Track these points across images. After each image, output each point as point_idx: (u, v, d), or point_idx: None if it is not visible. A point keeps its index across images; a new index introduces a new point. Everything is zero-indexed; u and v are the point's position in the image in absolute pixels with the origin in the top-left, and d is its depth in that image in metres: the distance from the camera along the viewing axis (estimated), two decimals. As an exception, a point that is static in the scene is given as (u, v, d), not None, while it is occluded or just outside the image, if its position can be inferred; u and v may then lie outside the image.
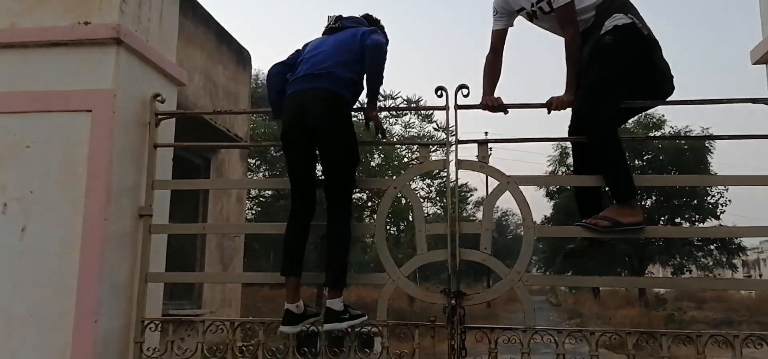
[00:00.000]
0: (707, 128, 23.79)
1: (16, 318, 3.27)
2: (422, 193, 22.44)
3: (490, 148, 3.84)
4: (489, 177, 3.57)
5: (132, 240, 3.54)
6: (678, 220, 25.71)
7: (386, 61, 3.46)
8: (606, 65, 3.31)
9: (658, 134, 24.69)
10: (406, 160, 21.76)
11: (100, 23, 3.41)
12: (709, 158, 25.35)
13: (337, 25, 3.65)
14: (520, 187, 3.41)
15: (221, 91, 8.76)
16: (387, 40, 3.59)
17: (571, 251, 3.44)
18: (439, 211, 23.23)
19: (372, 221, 19.92)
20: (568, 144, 3.80)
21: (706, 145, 24.93)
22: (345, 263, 3.43)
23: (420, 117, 23.66)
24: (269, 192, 22.33)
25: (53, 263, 3.29)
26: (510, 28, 3.71)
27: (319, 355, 3.42)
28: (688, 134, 22.49)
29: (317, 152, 3.44)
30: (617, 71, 3.31)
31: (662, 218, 25.78)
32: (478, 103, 3.57)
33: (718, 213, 26.10)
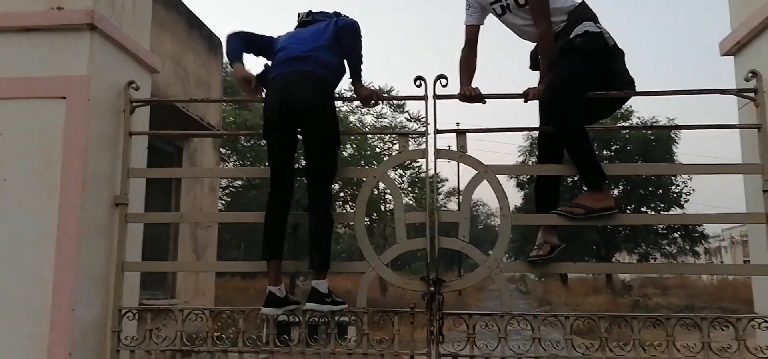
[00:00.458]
0: (673, 119, 24.33)
1: (-9, 308, 3.21)
2: (394, 180, 22.51)
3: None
4: (463, 167, 3.62)
5: (108, 229, 3.50)
6: (644, 209, 26.25)
7: (360, 39, 3.51)
8: (574, 62, 3.42)
9: (625, 124, 25.13)
10: (378, 150, 21.79)
11: (74, 9, 3.35)
12: (674, 148, 25.95)
13: (310, 18, 3.72)
14: (497, 176, 3.47)
15: (192, 78, 8.66)
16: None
17: (535, 259, 3.50)
18: (410, 201, 23.34)
19: (344, 211, 19.95)
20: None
21: (672, 136, 25.48)
22: (330, 244, 3.47)
23: (392, 107, 23.71)
24: (240, 182, 22.19)
25: (29, 252, 3.24)
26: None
27: (298, 343, 3.45)
28: (655, 124, 22.93)
29: (300, 136, 3.47)
30: (584, 70, 3.43)
31: (629, 207, 26.28)
32: (457, 93, 3.60)
33: (683, 202, 26.73)
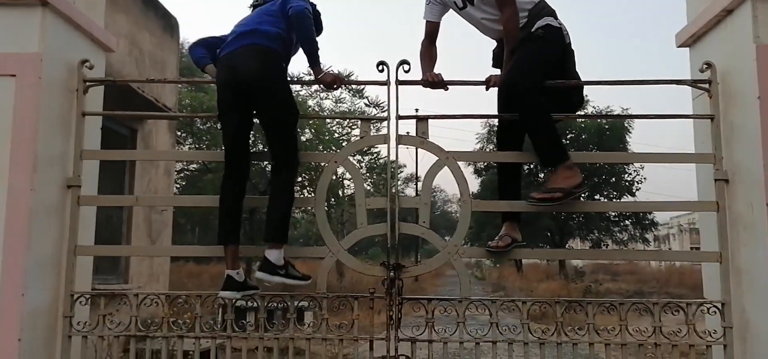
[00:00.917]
0: (627, 109, 24.92)
1: (-67, 293, 3.09)
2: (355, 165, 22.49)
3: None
4: (422, 154, 3.63)
5: (59, 212, 3.40)
6: (598, 196, 26.87)
7: (312, 24, 3.45)
8: (536, 47, 3.46)
9: (581, 112, 25.57)
10: (337, 135, 21.69)
11: (25, -17, 3.22)
12: (628, 137, 26.61)
13: (260, 2, 3.69)
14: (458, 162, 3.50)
15: (148, 58, 8.44)
16: (316, 21, 3.64)
17: (496, 250, 3.54)
18: (368, 187, 23.36)
19: (303, 196, 19.84)
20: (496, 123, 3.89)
21: (625, 125, 26.11)
22: (287, 216, 3.43)
23: (351, 92, 23.61)
24: (195, 165, 21.81)
25: (-24, 235, 3.11)
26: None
27: (256, 329, 3.42)
28: (609, 113, 23.43)
29: (254, 114, 3.44)
30: (545, 56, 3.47)
31: (583, 195, 26.85)
32: (419, 79, 3.61)
33: (634, 190, 27.47)
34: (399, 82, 3.51)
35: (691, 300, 3.39)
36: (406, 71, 3.50)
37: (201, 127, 20.26)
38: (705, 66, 3.44)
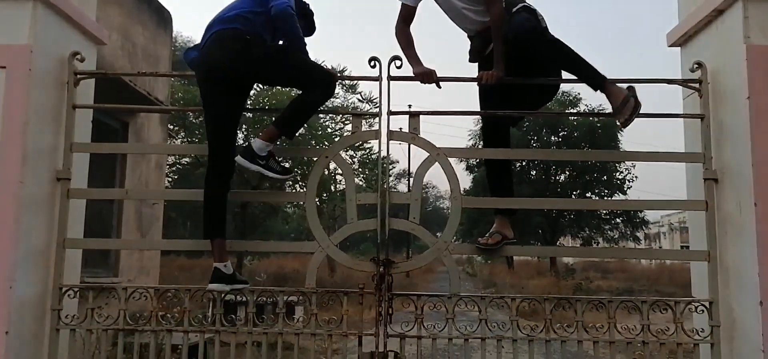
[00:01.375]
0: (619, 107, 24.92)
1: None
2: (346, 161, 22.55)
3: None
4: (415, 149, 3.64)
5: (49, 205, 3.39)
6: (589, 194, 27.00)
7: (296, 22, 3.41)
8: (526, 14, 3.49)
9: (573, 110, 25.71)
10: (329, 130, 21.69)
11: (16, -26, 3.19)
12: (619, 135, 26.72)
13: None
14: (448, 159, 3.50)
15: (140, 52, 8.40)
16: (309, 20, 3.73)
17: (486, 247, 3.56)
18: (360, 182, 23.36)
19: (295, 190, 19.82)
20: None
21: (617, 123, 26.22)
22: (295, 120, 3.48)
23: (344, 87, 23.61)
24: (187, 159, 21.76)
25: (-36, 227, 3.09)
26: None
27: (245, 323, 3.42)
28: (601, 111, 23.49)
29: (237, 104, 3.46)
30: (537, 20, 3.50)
31: (575, 192, 26.98)
32: (411, 75, 3.60)
33: (626, 188, 27.61)
34: (391, 78, 3.52)
35: (679, 299, 3.41)
36: (399, 67, 3.51)
37: (193, 120, 20.21)
38: (695, 66, 3.45)
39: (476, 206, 3.92)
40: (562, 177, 27.83)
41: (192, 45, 3.67)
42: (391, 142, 3.55)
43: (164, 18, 9.28)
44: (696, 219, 3.57)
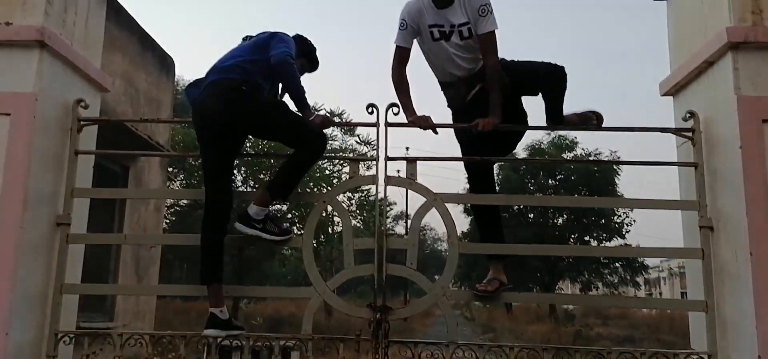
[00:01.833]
0: (615, 151, 25.17)
1: None
2: (343, 205, 22.52)
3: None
4: (412, 193, 3.66)
5: (48, 249, 3.39)
6: (587, 238, 26.92)
7: (295, 71, 3.48)
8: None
9: (570, 155, 25.83)
10: (328, 172, 21.73)
11: (23, 24, 3.26)
12: (616, 179, 26.79)
13: (245, 39, 3.75)
14: (446, 204, 3.53)
15: (142, 97, 8.50)
16: (311, 57, 3.79)
17: (484, 293, 3.57)
18: (358, 224, 23.32)
19: (291, 235, 19.68)
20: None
21: (614, 168, 26.37)
22: (286, 186, 3.48)
23: (342, 130, 23.74)
24: (186, 201, 21.76)
25: (-37, 272, 3.09)
26: None
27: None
28: (598, 156, 23.64)
29: (231, 151, 3.51)
30: None
31: (573, 236, 26.92)
32: (408, 121, 3.66)
33: (624, 232, 27.54)
34: (388, 124, 3.57)
35: (678, 351, 3.40)
36: (396, 114, 3.56)
37: (193, 162, 20.27)
38: (688, 115, 3.51)
39: (474, 251, 3.91)
40: (560, 220, 27.79)
41: (192, 82, 3.69)
42: (388, 186, 3.58)
43: (167, 64, 9.42)
44: (694, 267, 3.57)
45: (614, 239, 27.04)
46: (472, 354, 3.42)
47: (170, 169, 17.49)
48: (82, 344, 3.43)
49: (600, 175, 26.36)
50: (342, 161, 21.48)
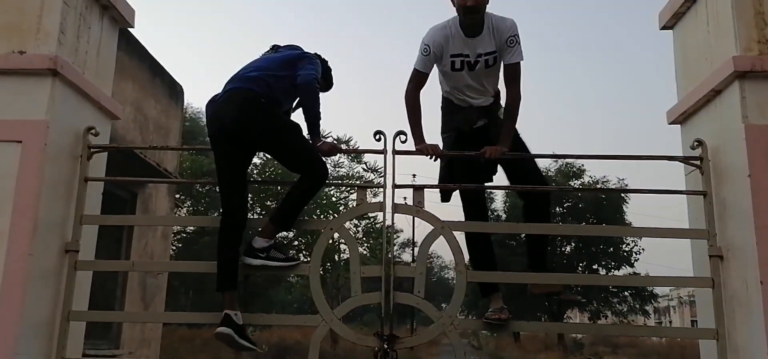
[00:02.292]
0: (623, 179, 25.12)
1: (-74, 356, 3.06)
2: (350, 233, 22.55)
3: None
4: (419, 220, 3.66)
5: (56, 276, 3.39)
6: (595, 266, 26.76)
7: (318, 96, 3.54)
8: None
9: (578, 183, 25.77)
10: (334, 199, 21.76)
11: (37, 53, 3.30)
12: (625, 207, 26.70)
13: (272, 49, 3.81)
14: (453, 232, 3.52)
15: (152, 124, 8.57)
16: (327, 77, 3.81)
17: (496, 322, 3.55)
18: (364, 252, 23.28)
19: (298, 262, 19.63)
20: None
21: (622, 195, 26.27)
22: (289, 217, 3.49)
23: (349, 157, 23.82)
24: (192, 228, 21.82)
25: (-28, 299, 3.10)
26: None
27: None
28: (605, 183, 23.59)
29: (244, 158, 3.52)
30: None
31: (581, 265, 26.76)
32: (415, 148, 3.67)
33: (633, 261, 27.37)
34: (395, 152, 3.57)
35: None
36: (403, 141, 3.57)
37: (200, 189, 20.37)
38: (696, 143, 3.50)
39: (482, 280, 3.88)
40: (568, 249, 27.66)
41: (212, 96, 3.70)
42: (395, 213, 3.58)
43: (176, 91, 9.51)
44: (704, 296, 3.54)
45: (623, 267, 26.88)
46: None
47: (177, 196, 17.54)
48: (89, 372, 3.41)
49: (608, 202, 26.30)
50: (349, 188, 21.54)
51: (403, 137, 3.57)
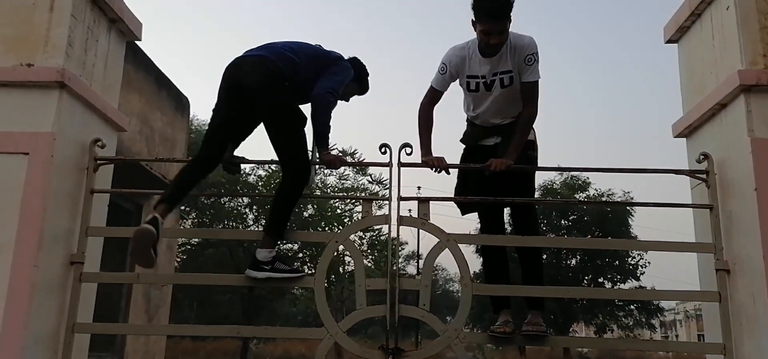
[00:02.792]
0: (628, 192, 25.05)
1: (-69, 368, 3.06)
2: (355, 245, 22.55)
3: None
4: (424, 233, 3.66)
5: (61, 288, 3.39)
6: (601, 279, 26.64)
7: (330, 110, 3.56)
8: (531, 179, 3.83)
9: (583, 195, 25.70)
10: (339, 211, 21.77)
11: (44, 66, 3.32)
12: (630, 220, 26.59)
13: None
14: (458, 245, 3.51)
15: (158, 136, 8.61)
16: (361, 80, 3.87)
17: (502, 335, 3.54)
18: (369, 264, 23.26)
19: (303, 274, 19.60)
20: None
21: (628, 209, 26.19)
22: (281, 221, 3.49)
23: (355, 169, 23.84)
24: (197, 239, 21.82)
25: (-23, 311, 3.10)
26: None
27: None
28: (611, 196, 23.51)
29: (247, 124, 3.57)
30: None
31: (586, 278, 26.64)
32: (420, 161, 3.67)
33: (639, 274, 27.23)
34: (401, 165, 3.58)
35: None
36: (409, 154, 3.57)
37: (205, 201, 20.39)
38: (702, 157, 3.50)
39: (487, 293, 3.85)
40: (574, 261, 27.54)
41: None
42: (401, 226, 3.58)
43: (182, 104, 9.56)
44: (710, 310, 3.52)
45: (629, 280, 26.74)
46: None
47: (182, 208, 17.57)
48: (93, 384, 3.41)
49: (613, 215, 26.21)
50: (354, 201, 21.54)
51: (408, 150, 3.57)
